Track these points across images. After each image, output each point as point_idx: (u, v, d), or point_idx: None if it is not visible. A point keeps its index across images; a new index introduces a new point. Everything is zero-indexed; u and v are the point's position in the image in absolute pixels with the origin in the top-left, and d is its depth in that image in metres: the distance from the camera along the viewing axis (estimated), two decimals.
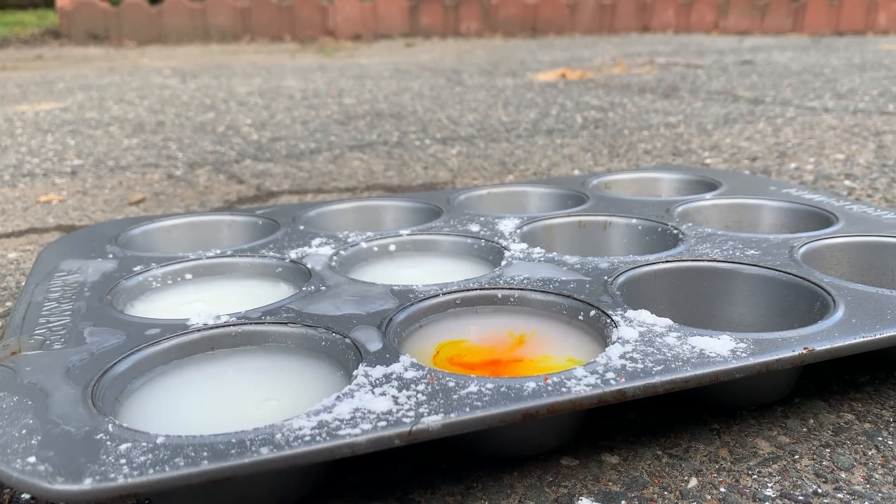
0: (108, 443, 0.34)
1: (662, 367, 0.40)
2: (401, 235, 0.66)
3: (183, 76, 2.77)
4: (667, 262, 0.57)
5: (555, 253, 0.60)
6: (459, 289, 0.52)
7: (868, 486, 0.40)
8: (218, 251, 0.63)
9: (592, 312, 0.49)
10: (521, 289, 0.52)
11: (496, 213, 0.74)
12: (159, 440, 0.34)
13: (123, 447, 0.34)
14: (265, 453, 0.33)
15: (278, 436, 0.34)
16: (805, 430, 0.46)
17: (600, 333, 0.47)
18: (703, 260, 0.57)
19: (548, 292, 0.52)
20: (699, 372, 0.40)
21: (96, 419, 0.36)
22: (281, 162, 1.31)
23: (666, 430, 0.46)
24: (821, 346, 0.42)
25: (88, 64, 3.34)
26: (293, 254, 0.62)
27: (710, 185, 0.83)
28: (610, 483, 0.41)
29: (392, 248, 0.65)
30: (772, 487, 0.40)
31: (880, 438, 0.44)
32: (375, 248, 0.64)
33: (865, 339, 0.44)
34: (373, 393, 0.38)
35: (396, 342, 0.46)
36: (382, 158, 1.32)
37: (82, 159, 1.35)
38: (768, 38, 4.52)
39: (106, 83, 2.55)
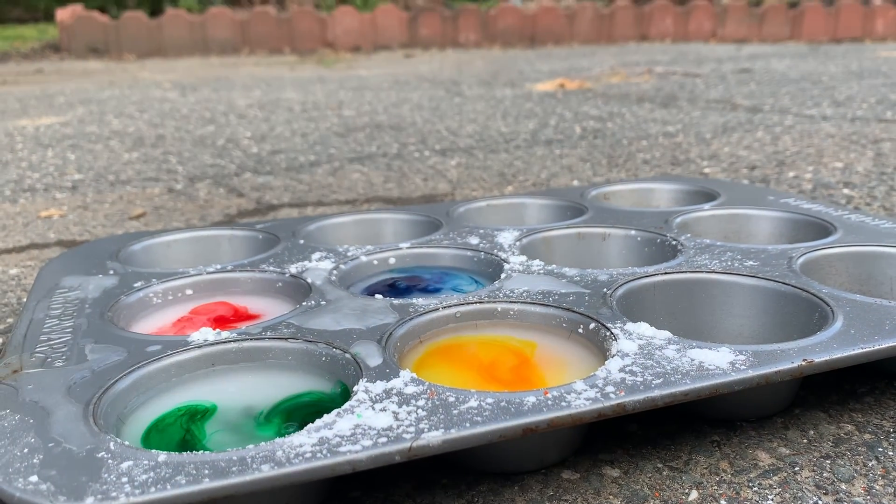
0: (110, 461, 0.34)
1: (662, 380, 0.40)
2: (400, 248, 0.66)
3: (183, 89, 2.78)
4: (666, 273, 0.57)
5: (554, 265, 0.60)
6: (459, 302, 0.53)
7: (869, 497, 0.40)
8: (218, 266, 0.63)
9: (592, 325, 0.49)
10: (521, 302, 0.53)
11: (495, 225, 0.75)
12: (161, 458, 0.34)
13: (125, 465, 0.34)
14: (266, 471, 0.33)
15: (279, 453, 0.34)
16: (805, 441, 0.46)
17: (599, 347, 0.47)
18: (702, 271, 0.57)
19: (547, 305, 0.52)
20: (698, 385, 0.40)
21: (98, 437, 0.36)
22: (281, 175, 1.32)
23: (666, 442, 0.46)
24: (820, 358, 0.43)
25: (88, 78, 3.36)
26: (293, 268, 0.62)
27: (708, 196, 0.83)
28: (611, 496, 0.41)
29: (392, 261, 0.65)
30: (772, 499, 0.40)
31: (881, 449, 0.44)
32: (375, 262, 0.65)
33: (864, 350, 0.44)
34: (373, 409, 0.38)
35: (397, 357, 0.46)
36: (382, 170, 1.33)
37: (83, 174, 1.35)
38: (766, 46, 4.54)
39: (106, 97, 2.56)
